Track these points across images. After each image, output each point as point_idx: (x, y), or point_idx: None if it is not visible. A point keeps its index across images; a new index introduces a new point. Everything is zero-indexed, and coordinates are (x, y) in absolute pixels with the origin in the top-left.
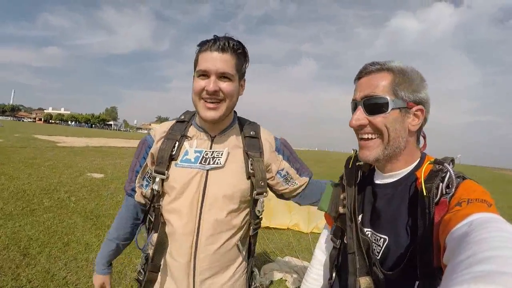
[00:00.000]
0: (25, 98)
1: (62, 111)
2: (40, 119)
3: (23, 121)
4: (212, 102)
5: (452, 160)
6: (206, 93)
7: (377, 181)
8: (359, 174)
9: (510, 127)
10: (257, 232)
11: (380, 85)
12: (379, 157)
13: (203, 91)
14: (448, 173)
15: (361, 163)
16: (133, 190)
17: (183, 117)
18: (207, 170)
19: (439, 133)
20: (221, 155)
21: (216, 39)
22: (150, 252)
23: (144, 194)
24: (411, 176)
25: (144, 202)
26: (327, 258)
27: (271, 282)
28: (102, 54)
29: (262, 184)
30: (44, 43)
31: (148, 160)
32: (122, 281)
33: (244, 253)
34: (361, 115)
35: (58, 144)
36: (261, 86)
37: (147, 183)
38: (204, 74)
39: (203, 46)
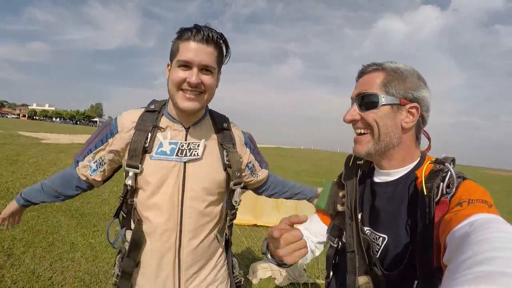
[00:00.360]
0: (9, 93)
1: (46, 107)
2: (24, 115)
3: (6, 117)
4: (193, 94)
5: (453, 160)
6: (187, 85)
7: (377, 180)
8: (359, 172)
9: (492, 128)
10: (233, 223)
11: (373, 83)
12: (370, 151)
13: (184, 82)
14: (449, 172)
15: (361, 162)
16: (78, 162)
17: (152, 106)
18: (185, 162)
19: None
20: (198, 146)
21: (198, 28)
22: (125, 247)
23: (90, 179)
24: (411, 175)
25: (84, 179)
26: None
27: (260, 280)
28: (88, 50)
29: (238, 174)
30: (29, 38)
31: (105, 148)
32: (109, 281)
33: (223, 244)
34: (354, 111)
35: (43, 141)
36: (247, 84)
37: (96, 168)
38: (185, 65)
39: (184, 34)
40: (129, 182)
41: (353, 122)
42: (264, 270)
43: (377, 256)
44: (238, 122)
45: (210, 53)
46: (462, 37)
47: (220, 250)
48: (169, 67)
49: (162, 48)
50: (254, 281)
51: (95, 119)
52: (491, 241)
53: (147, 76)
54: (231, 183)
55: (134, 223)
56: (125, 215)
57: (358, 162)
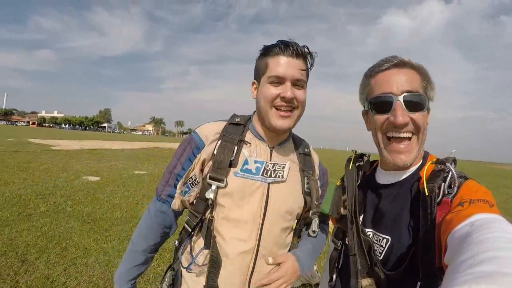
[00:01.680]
0: (18, 102)
1: (55, 114)
2: (34, 123)
3: (16, 125)
4: (286, 111)
5: (454, 160)
6: (281, 100)
7: (381, 182)
8: (359, 174)
9: (501, 122)
10: None
11: (417, 82)
12: (414, 159)
13: (277, 98)
14: (450, 173)
15: (362, 163)
16: (170, 196)
17: (237, 119)
18: (269, 183)
19: (431, 129)
20: (283, 168)
21: (286, 43)
22: (196, 272)
23: (183, 201)
24: (415, 176)
25: (180, 210)
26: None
27: None
28: (94, 56)
29: (317, 203)
30: (36, 46)
31: (197, 165)
32: None
33: None
34: (403, 112)
35: (53, 148)
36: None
37: (187, 189)
38: (277, 82)
39: (272, 50)
40: (210, 195)
41: (406, 124)
42: None
43: (381, 257)
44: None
45: (301, 67)
46: (468, 30)
47: None
48: (255, 85)
49: (168, 52)
50: None
51: (103, 125)
52: (492, 241)
53: (154, 80)
54: (310, 212)
55: (211, 241)
56: (200, 233)
57: (358, 164)
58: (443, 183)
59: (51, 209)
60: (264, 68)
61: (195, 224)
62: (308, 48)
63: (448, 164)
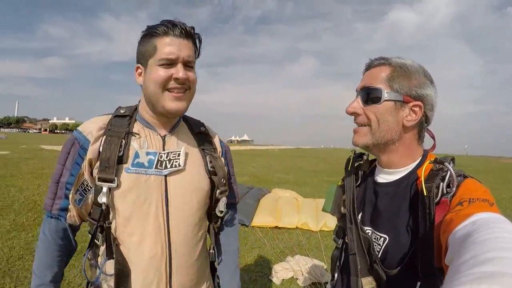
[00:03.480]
0: (29, 109)
1: (66, 120)
2: (46, 130)
3: (28, 132)
4: (179, 92)
5: (453, 159)
6: (175, 82)
7: (379, 180)
8: (359, 174)
9: (510, 115)
10: (219, 235)
11: (378, 77)
12: (367, 144)
13: (170, 80)
14: (449, 172)
15: (361, 162)
16: (63, 209)
17: (122, 111)
18: (165, 176)
19: (443, 125)
20: (178, 155)
21: (174, 23)
22: (109, 283)
23: (80, 212)
24: (413, 175)
25: (77, 224)
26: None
27: (282, 280)
28: (103, 62)
29: (224, 182)
30: (45, 54)
31: (85, 167)
32: None
33: (209, 265)
34: (357, 104)
35: None
36: (262, 85)
37: (81, 197)
38: (169, 64)
39: (159, 30)
40: (103, 199)
41: (355, 115)
42: (286, 270)
43: (378, 255)
44: (256, 125)
45: (190, 48)
46: (475, 23)
47: (208, 271)
48: (140, 70)
49: None
50: (277, 282)
51: None
52: (494, 241)
53: None
54: (217, 191)
55: (114, 250)
56: (100, 243)
57: (358, 163)
58: (441, 183)
59: None
60: (151, 50)
61: (93, 232)
62: (194, 29)
63: (446, 163)
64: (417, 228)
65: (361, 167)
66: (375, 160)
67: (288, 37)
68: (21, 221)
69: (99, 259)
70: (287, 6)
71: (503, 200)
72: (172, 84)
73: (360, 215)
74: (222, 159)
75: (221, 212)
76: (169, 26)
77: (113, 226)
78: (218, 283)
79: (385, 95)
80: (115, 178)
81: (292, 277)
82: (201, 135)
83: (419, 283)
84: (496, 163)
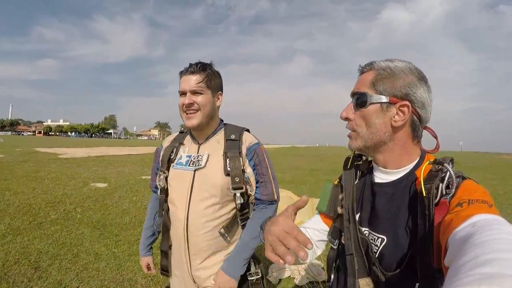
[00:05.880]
0: (24, 111)
1: (61, 122)
2: (40, 132)
3: (23, 135)
4: (190, 113)
5: (452, 160)
6: (185, 107)
7: (377, 180)
8: (358, 174)
9: (507, 111)
10: (245, 223)
11: (364, 82)
12: (360, 147)
13: (183, 106)
14: (448, 173)
15: (360, 162)
16: (156, 187)
17: (183, 129)
18: (194, 171)
19: (438, 121)
20: (202, 158)
21: (190, 65)
22: (159, 230)
23: (160, 189)
24: (411, 176)
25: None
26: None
27: (280, 280)
28: (98, 64)
29: (238, 180)
30: (39, 56)
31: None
32: None
33: (232, 241)
34: (349, 110)
35: (60, 156)
36: (257, 85)
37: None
38: (183, 93)
39: (181, 72)
40: (160, 183)
41: (347, 119)
42: (282, 270)
43: (376, 257)
44: (251, 124)
45: (197, 79)
46: (468, 21)
47: (230, 247)
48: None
49: (170, 57)
50: (274, 281)
51: (109, 131)
52: (494, 242)
53: (157, 85)
54: (231, 187)
55: (164, 212)
56: (160, 207)
57: (356, 163)
58: (440, 184)
59: (61, 216)
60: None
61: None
62: (204, 64)
63: (446, 164)
64: (415, 229)
65: (359, 166)
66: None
67: (282, 37)
68: (17, 225)
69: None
70: (281, 6)
71: (499, 195)
72: (185, 108)
73: (358, 216)
74: (247, 161)
75: (240, 205)
76: (185, 68)
77: (164, 198)
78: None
79: (370, 98)
80: (166, 171)
81: (289, 276)
82: (230, 141)
83: (417, 285)
84: (492, 159)
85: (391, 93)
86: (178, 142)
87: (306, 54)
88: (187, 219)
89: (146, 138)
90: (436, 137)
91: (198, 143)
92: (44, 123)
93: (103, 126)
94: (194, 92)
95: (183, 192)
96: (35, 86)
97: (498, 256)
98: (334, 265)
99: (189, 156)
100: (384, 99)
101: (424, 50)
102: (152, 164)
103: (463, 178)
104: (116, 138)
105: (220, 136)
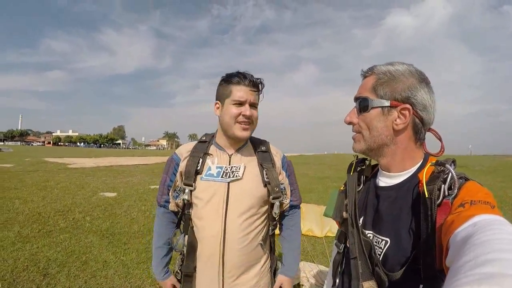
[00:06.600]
0: (33, 122)
1: (70, 133)
2: (49, 142)
3: (32, 145)
4: (246, 124)
5: (454, 161)
6: (243, 117)
7: (381, 184)
8: (361, 178)
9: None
10: (274, 232)
11: (366, 86)
12: (362, 149)
13: (239, 115)
14: (450, 174)
15: (363, 167)
16: (167, 201)
17: (204, 138)
18: (228, 183)
19: (446, 126)
20: (239, 169)
21: (244, 75)
22: (184, 250)
23: (177, 203)
24: (414, 178)
25: (176, 210)
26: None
27: None
28: (105, 75)
29: (277, 189)
30: (47, 67)
31: (178, 176)
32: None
33: (267, 251)
34: (353, 114)
35: (69, 166)
36: (264, 94)
37: (177, 194)
38: (241, 103)
39: (233, 79)
40: (185, 197)
41: (351, 124)
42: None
43: (380, 259)
44: (259, 134)
45: (255, 94)
46: (472, 23)
47: (265, 257)
48: (218, 105)
49: (177, 67)
50: None
51: (118, 141)
52: (494, 242)
53: (164, 96)
54: (271, 197)
55: (189, 229)
56: (183, 224)
57: (360, 167)
58: (443, 185)
59: (70, 225)
60: (228, 93)
61: (178, 217)
62: (261, 81)
63: (447, 165)
64: (418, 231)
65: (363, 171)
66: (377, 165)
67: (288, 46)
68: (26, 233)
69: (180, 234)
70: (286, 15)
71: (510, 199)
72: (241, 118)
73: (361, 219)
74: (283, 172)
75: (275, 213)
76: (241, 77)
77: (191, 214)
78: (275, 269)
79: (371, 102)
80: (193, 184)
81: (298, 283)
82: (262, 153)
83: (421, 286)
84: (500, 161)
85: (392, 97)
86: (202, 152)
87: (311, 62)
88: (224, 233)
89: (154, 148)
90: (440, 139)
91: (228, 155)
92: (53, 134)
93: (111, 136)
94: (252, 105)
95: (217, 206)
96: (44, 97)
97: (498, 256)
98: (339, 269)
99: (220, 167)
100: (385, 103)
101: (429, 54)
102: (163, 176)
103: (466, 179)
104: (124, 148)
105: (249, 147)
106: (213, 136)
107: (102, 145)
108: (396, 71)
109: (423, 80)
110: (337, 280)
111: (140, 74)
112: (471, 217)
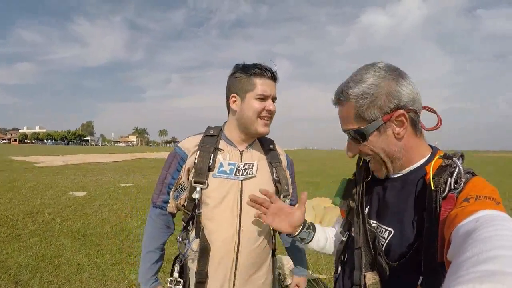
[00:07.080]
0: None
1: (37, 129)
2: (15, 140)
3: None
4: (267, 119)
5: (462, 156)
6: (266, 112)
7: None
8: (370, 170)
9: (481, 112)
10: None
11: (349, 118)
12: (388, 173)
13: (263, 110)
14: (457, 168)
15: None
16: (165, 202)
17: (211, 132)
18: (241, 180)
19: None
20: (252, 166)
21: (265, 67)
22: (193, 257)
23: (176, 204)
24: (421, 170)
25: (175, 212)
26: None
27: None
28: (76, 68)
29: (287, 188)
30: (16, 59)
31: (183, 173)
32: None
33: (271, 251)
34: (352, 147)
35: (37, 165)
36: None
37: (178, 194)
38: (264, 98)
39: (254, 70)
40: (196, 196)
41: (356, 155)
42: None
43: (382, 248)
44: None
45: (275, 87)
46: (446, 25)
47: (270, 256)
48: (235, 98)
49: (149, 60)
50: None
51: (86, 138)
52: (496, 239)
53: (135, 90)
54: (281, 196)
55: (201, 232)
56: (190, 227)
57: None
58: (449, 178)
59: (40, 227)
60: (251, 87)
61: (187, 219)
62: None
63: (455, 159)
64: (422, 222)
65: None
66: None
67: (263, 41)
68: None
69: (190, 238)
70: (262, 9)
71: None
72: (264, 113)
73: (367, 209)
74: (287, 170)
75: None
76: (263, 69)
77: (202, 214)
78: (278, 266)
79: (366, 131)
80: (206, 181)
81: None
82: (270, 151)
83: (421, 278)
84: (470, 156)
85: (381, 113)
86: (211, 147)
87: (286, 58)
88: (239, 235)
89: (124, 144)
90: (435, 112)
91: (239, 151)
92: (19, 130)
93: (80, 133)
94: (274, 99)
95: (231, 205)
96: (11, 91)
97: (500, 253)
98: (341, 258)
99: (233, 164)
100: (379, 123)
101: (403, 54)
102: (162, 173)
103: (473, 174)
104: (93, 145)
105: (258, 145)
106: (220, 129)
107: (70, 142)
108: (371, 86)
109: (398, 75)
110: (339, 268)
111: (112, 66)
112: (475, 212)
